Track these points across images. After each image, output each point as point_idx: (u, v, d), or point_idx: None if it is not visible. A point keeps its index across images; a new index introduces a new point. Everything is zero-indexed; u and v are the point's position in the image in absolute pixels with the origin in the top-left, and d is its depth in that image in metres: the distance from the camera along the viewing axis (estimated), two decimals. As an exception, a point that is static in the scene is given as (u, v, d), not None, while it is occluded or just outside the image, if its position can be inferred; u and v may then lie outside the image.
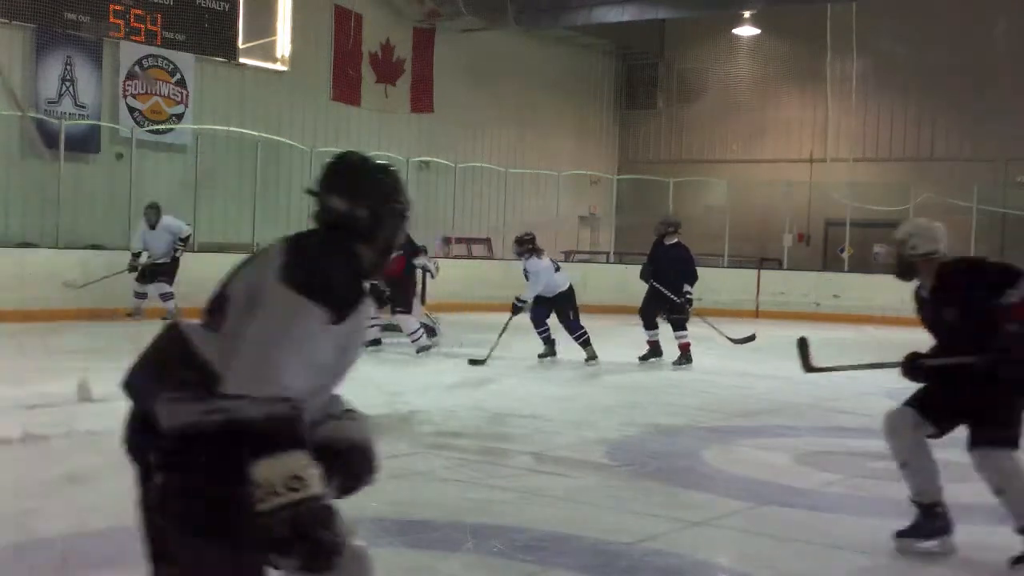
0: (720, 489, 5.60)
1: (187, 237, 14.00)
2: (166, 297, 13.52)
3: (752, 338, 12.27)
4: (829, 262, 21.94)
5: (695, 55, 25.07)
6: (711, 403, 8.75)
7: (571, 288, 11.40)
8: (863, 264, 20.93)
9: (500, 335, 10.82)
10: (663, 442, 6.94)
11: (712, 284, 19.87)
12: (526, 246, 11.29)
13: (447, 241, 19.93)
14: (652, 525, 4.84)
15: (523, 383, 9.71)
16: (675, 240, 11.80)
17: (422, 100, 21.00)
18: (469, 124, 21.78)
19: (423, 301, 14.00)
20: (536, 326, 11.32)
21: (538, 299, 11.20)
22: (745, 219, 21.09)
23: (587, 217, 24.12)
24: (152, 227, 13.64)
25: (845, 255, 20.69)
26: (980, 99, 21.34)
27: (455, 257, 19.07)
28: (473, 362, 10.55)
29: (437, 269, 12.95)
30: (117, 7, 16.25)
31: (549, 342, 11.34)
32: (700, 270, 21.13)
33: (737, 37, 24.13)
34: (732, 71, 24.68)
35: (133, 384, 2.37)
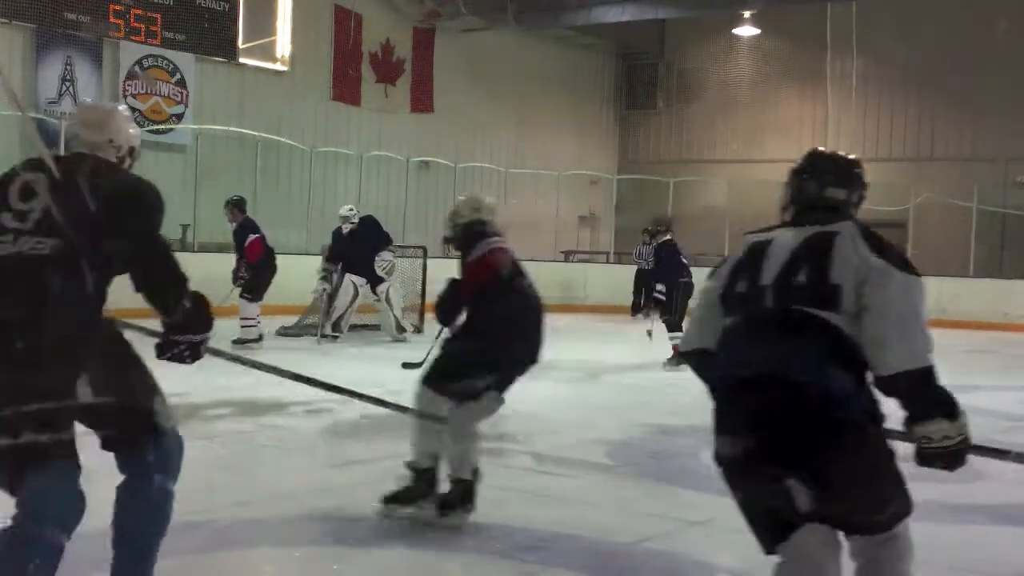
0: (720, 489, 5.56)
1: None
2: None
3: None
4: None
5: (695, 55, 25.07)
6: (711, 403, 8.74)
7: None
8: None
9: (437, 337, 10.72)
10: (663, 442, 6.93)
11: (712, 284, 19.90)
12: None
13: (447, 241, 19.95)
14: (652, 525, 4.83)
15: (523, 383, 9.69)
16: (661, 240, 11.62)
17: (422, 100, 21.00)
18: (469, 124, 21.78)
19: (423, 300, 14.04)
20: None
21: None
22: (745, 219, 21.00)
23: (587, 217, 24.12)
24: None
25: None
26: (980, 99, 21.34)
27: (455, 257, 19.06)
28: (407, 365, 10.08)
29: (387, 270, 12.95)
30: (117, 7, 16.25)
31: None
32: (699, 270, 21.03)
33: (737, 37, 24.12)
34: (732, 71, 24.67)
35: (762, 360, 2.81)
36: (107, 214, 2.99)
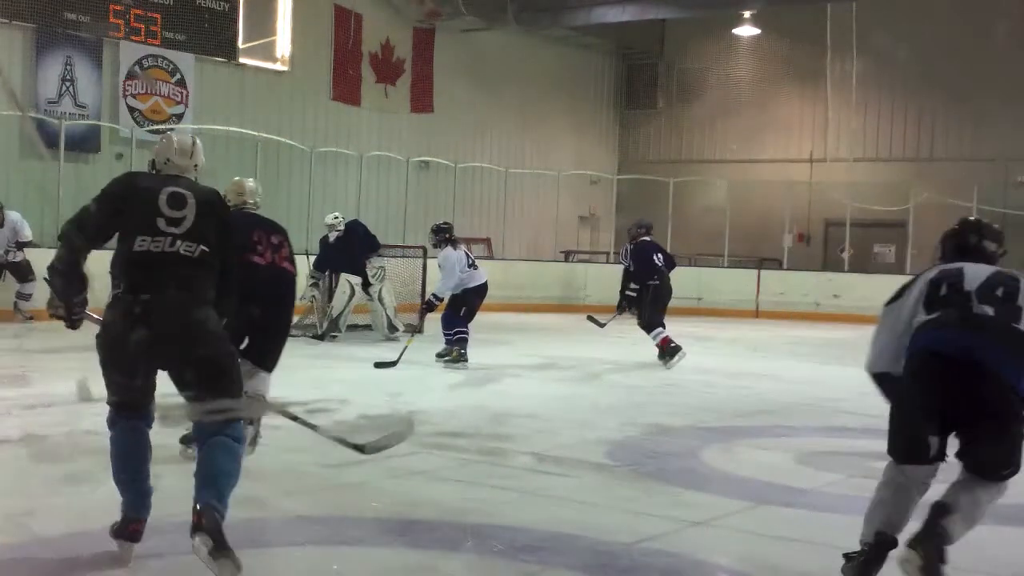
0: (720, 489, 5.60)
1: (28, 242, 13.06)
2: (23, 296, 12.92)
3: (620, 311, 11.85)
4: (829, 262, 21.95)
5: (695, 55, 25.06)
6: (711, 403, 8.75)
7: (482, 287, 10.60)
8: (863, 264, 20.95)
9: (413, 336, 10.73)
10: (663, 442, 6.93)
11: (712, 284, 19.89)
12: (443, 235, 10.59)
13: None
14: (652, 525, 4.84)
15: (523, 383, 9.72)
16: (639, 241, 11.50)
17: (422, 100, 20.99)
18: (469, 124, 21.77)
19: (422, 301, 14.05)
20: (444, 326, 10.52)
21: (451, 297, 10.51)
22: (745, 219, 21.10)
23: (587, 217, 24.12)
24: (0, 225, 13.04)
25: (845, 255, 20.70)
26: (980, 99, 21.34)
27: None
28: (380, 365, 9.85)
29: (378, 277, 12.90)
30: (117, 7, 16.24)
31: (458, 342, 10.40)
32: (699, 270, 21.23)
33: (737, 37, 24.12)
34: (732, 71, 24.67)
35: (967, 343, 3.84)
36: (226, 231, 4.15)
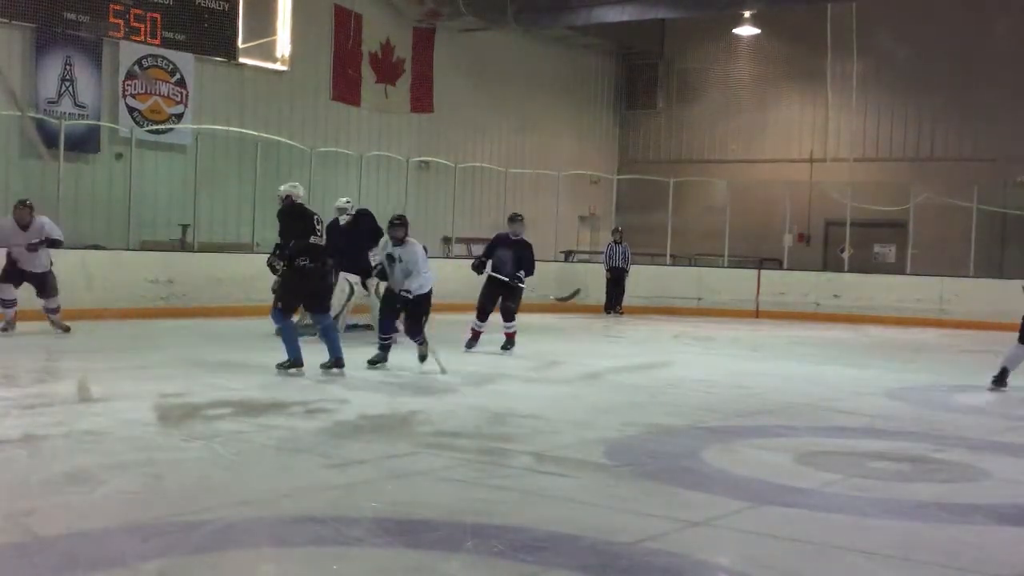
0: (720, 489, 5.60)
1: (57, 241, 12.10)
2: (51, 311, 12.15)
3: (577, 292, 13.51)
4: (829, 262, 21.95)
5: (695, 55, 25.08)
6: (711, 403, 8.75)
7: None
8: (863, 264, 20.95)
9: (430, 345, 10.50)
10: (663, 442, 6.93)
11: (712, 284, 19.90)
12: (407, 227, 10.16)
13: (447, 241, 19.94)
14: (652, 525, 4.83)
15: (523, 383, 9.71)
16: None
17: (422, 100, 21.00)
18: (469, 124, 21.77)
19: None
20: (382, 330, 10.02)
21: (389, 298, 10.04)
22: (745, 219, 21.10)
23: (587, 217, 24.12)
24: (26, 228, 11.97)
25: (845, 255, 20.70)
26: (980, 99, 21.34)
27: (455, 257, 19.06)
28: (443, 371, 9.63)
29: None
30: (117, 7, 16.24)
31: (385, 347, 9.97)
32: (699, 270, 21.26)
33: (737, 37, 24.13)
34: (732, 71, 24.69)
35: None
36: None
